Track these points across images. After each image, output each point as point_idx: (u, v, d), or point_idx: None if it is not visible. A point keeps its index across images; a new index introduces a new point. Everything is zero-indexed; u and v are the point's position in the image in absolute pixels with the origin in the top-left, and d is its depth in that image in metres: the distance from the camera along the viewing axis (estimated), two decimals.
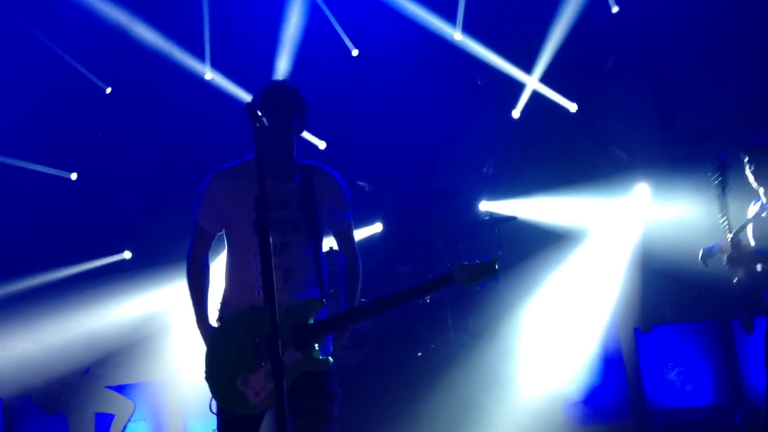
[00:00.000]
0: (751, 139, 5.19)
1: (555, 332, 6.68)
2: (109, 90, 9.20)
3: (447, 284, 3.37)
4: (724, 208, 4.92)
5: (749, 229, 5.03)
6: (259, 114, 3.05)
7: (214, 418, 3.43)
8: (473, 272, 3.33)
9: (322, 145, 8.89)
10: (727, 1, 7.85)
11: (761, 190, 5.05)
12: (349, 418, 5.99)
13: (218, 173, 3.54)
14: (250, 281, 3.40)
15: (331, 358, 3.37)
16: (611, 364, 6.41)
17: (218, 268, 3.64)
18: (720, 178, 4.93)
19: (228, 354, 3.34)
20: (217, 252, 3.72)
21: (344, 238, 3.74)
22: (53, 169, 9.23)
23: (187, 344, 7.41)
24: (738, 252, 4.83)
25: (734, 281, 4.87)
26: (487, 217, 7.87)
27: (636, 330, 6.48)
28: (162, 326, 8.05)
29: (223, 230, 3.57)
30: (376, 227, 8.87)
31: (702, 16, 7.92)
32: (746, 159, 5.07)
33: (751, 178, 5.07)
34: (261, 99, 3.44)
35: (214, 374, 3.35)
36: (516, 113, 8.70)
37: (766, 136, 5.26)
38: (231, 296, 3.50)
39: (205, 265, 3.61)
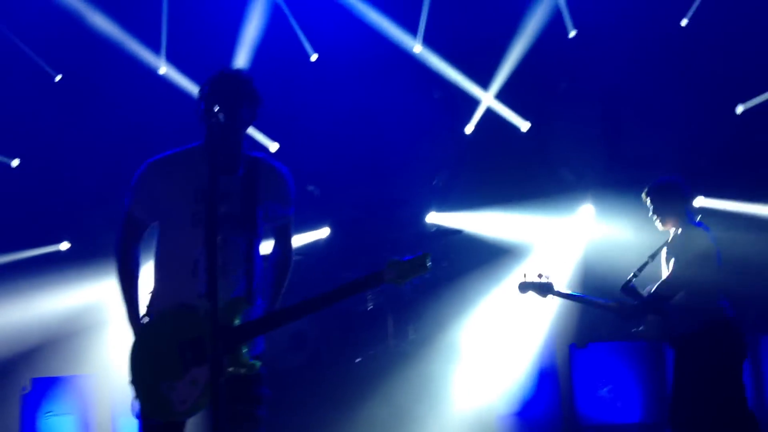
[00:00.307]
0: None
1: (493, 345, 6.73)
2: (59, 77, 9.02)
3: (377, 282, 3.16)
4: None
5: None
6: (216, 110, 3.02)
7: None
8: (404, 269, 3.11)
9: (274, 147, 8.84)
10: (678, 37, 8.10)
11: (671, 230, 5.03)
12: (283, 423, 5.92)
13: (156, 161, 3.36)
14: (184, 277, 3.24)
15: (258, 362, 3.20)
16: (546, 378, 6.48)
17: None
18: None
19: (153, 357, 3.17)
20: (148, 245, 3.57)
21: (282, 233, 3.61)
22: None
23: (120, 339, 7.27)
24: (624, 308, 4.86)
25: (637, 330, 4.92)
26: (434, 229, 7.91)
27: (572, 346, 6.57)
28: (97, 320, 7.90)
29: (157, 221, 3.40)
30: (323, 232, 8.84)
31: (654, 49, 8.15)
32: (647, 202, 5.05)
33: (656, 220, 5.04)
34: (211, 87, 3.28)
35: (138, 377, 3.19)
36: (469, 128, 8.78)
37: (664, 176, 5.17)
38: (161, 291, 3.33)
39: (135, 257, 3.41)
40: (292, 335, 7.54)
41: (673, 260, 4.87)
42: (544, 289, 5.14)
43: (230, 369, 3.09)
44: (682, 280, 4.77)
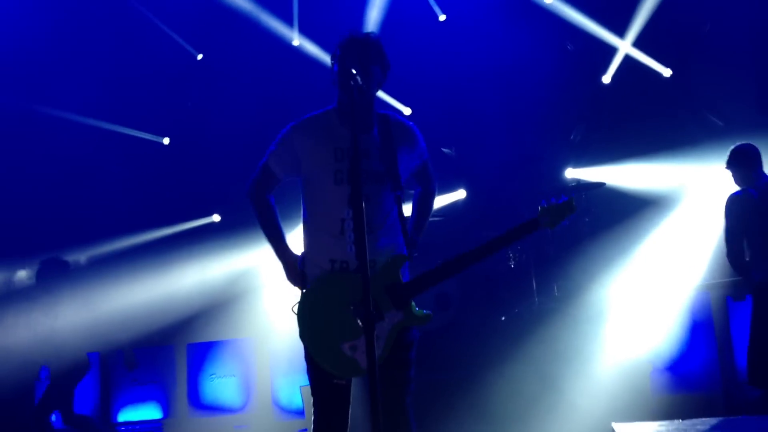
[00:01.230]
0: None
1: (643, 299, 6.55)
2: (200, 56, 9.45)
3: (534, 228, 3.38)
4: None
5: None
6: (350, 71, 3.12)
7: (300, 375, 3.43)
8: (555, 213, 3.39)
9: (407, 111, 8.91)
10: None
11: None
12: (429, 381, 6.05)
13: (298, 123, 3.48)
14: (332, 236, 3.35)
15: (430, 312, 3.36)
16: (700, 331, 6.26)
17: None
18: None
19: (327, 320, 3.28)
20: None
21: (422, 174, 3.67)
22: (147, 134, 9.56)
23: (274, 303, 7.63)
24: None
25: None
26: (574, 184, 7.75)
27: (728, 298, 6.29)
28: (251, 286, 8.25)
29: (301, 182, 3.51)
30: (460, 194, 8.85)
31: None
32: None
33: None
34: (342, 50, 3.39)
35: (318, 342, 3.29)
36: (606, 78, 8.51)
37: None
38: (312, 252, 3.42)
39: (269, 201, 3.53)
40: (436, 296, 7.64)
41: None
42: None
43: (401, 322, 3.27)
44: None
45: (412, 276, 3.40)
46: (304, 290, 3.39)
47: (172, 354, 8.03)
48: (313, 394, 3.39)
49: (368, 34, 3.48)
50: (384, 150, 3.42)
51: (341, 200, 3.33)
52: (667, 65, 8.26)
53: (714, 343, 6.19)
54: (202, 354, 7.93)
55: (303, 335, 3.33)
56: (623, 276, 7.00)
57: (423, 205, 3.72)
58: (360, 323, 3.14)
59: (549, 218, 3.39)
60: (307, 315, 3.33)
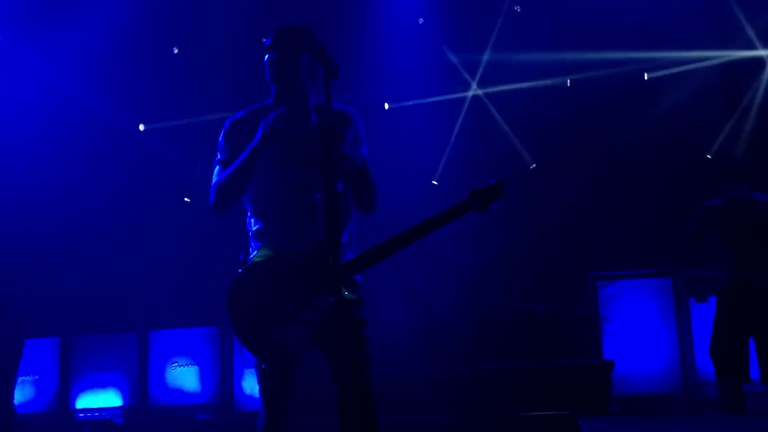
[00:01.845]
0: None
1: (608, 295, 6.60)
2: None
3: (463, 211, 3.38)
4: None
5: None
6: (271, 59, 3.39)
7: None
8: (485, 195, 3.39)
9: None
10: None
11: None
12: (393, 374, 6.04)
13: (236, 117, 3.53)
14: (275, 219, 3.37)
15: (360, 295, 3.36)
16: (662, 330, 6.33)
17: None
18: None
19: (257, 306, 3.23)
20: None
21: (358, 172, 3.46)
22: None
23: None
24: None
25: None
26: None
27: (690, 300, 6.41)
28: (220, 274, 8.13)
29: None
30: None
31: None
32: None
33: None
34: (269, 41, 3.44)
35: (246, 328, 3.23)
36: None
37: None
38: (257, 236, 3.44)
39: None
40: (402, 290, 7.63)
41: None
42: None
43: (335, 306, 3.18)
44: None
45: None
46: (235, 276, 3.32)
47: (134, 341, 7.91)
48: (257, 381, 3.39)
49: (295, 24, 3.49)
50: (322, 136, 3.27)
51: (282, 186, 3.38)
52: None
53: (676, 342, 6.26)
54: (165, 342, 7.82)
55: (234, 323, 3.25)
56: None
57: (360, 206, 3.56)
58: (295, 306, 3.18)
59: (479, 201, 3.39)
60: (237, 301, 3.25)
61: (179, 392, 7.59)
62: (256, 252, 3.40)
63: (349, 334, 3.23)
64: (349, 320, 3.24)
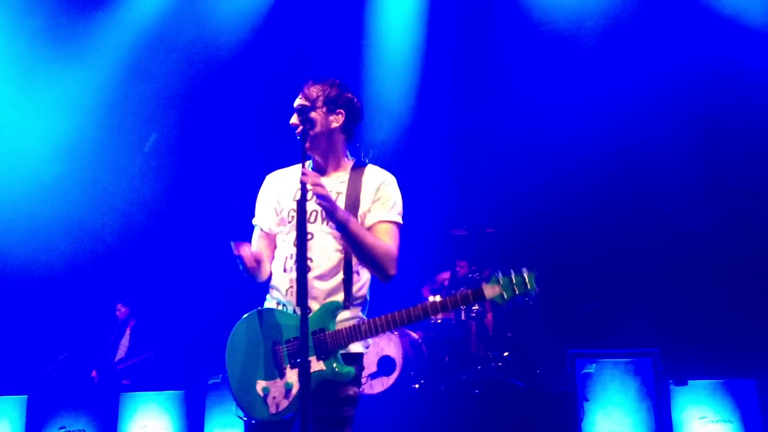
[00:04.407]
0: None
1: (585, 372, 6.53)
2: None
3: (479, 299, 3.10)
4: None
5: None
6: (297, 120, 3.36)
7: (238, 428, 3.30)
8: (509, 287, 3.06)
9: None
10: None
11: None
12: None
13: (271, 174, 3.58)
14: (280, 274, 3.36)
15: (352, 369, 3.17)
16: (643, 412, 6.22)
17: None
18: None
19: (250, 357, 3.21)
20: None
21: (381, 232, 3.30)
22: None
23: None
24: None
25: None
26: None
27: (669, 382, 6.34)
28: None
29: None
30: None
31: None
32: None
33: None
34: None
35: (236, 376, 3.24)
36: None
37: None
38: (270, 286, 3.44)
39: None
40: (380, 359, 7.52)
41: None
42: None
43: (321, 372, 3.11)
44: None
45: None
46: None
47: (105, 402, 7.70)
48: None
49: (315, 79, 3.44)
50: (347, 195, 3.34)
51: (290, 239, 3.35)
52: None
53: (654, 423, 6.16)
54: (135, 404, 7.62)
55: (228, 369, 3.28)
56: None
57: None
58: (279, 364, 3.12)
59: (500, 292, 3.07)
60: (232, 347, 3.30)
61: None
62: (265, 302, 3.41)
63: (331, 414, 3.16)
64: (332, 397, 3.15)
